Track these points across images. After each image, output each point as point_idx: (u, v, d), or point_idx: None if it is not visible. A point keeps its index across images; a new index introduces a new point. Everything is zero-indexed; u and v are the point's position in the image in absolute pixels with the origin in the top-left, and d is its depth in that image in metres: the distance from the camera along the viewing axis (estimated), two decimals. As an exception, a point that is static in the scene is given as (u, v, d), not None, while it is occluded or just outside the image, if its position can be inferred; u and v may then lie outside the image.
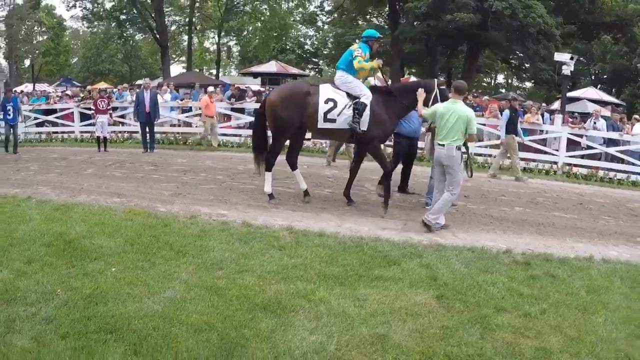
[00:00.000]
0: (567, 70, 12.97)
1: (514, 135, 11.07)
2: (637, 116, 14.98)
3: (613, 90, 37.50)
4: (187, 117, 15.38)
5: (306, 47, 37.05)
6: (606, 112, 17.82)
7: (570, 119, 14.46)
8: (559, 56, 13.36)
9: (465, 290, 4.43)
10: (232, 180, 9.03)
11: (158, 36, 29.02)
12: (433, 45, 22.33)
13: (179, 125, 15.61)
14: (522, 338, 3.72)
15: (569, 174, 12.45)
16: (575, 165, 12.76)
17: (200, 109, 13.95)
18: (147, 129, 12.68)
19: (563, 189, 10.60)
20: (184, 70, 38.48)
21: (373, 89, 7.24)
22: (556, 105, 21.93)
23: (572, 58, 12.82)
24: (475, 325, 3.85)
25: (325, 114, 6.98)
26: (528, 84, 40.65)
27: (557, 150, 13.17)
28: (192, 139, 14.47)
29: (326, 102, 6.97)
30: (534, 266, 5.20)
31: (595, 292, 4.64)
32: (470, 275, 4.80)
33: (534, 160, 13.11)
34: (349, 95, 7.00)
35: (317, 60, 37.03)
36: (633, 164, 12.68)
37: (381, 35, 7.66)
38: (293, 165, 7.66)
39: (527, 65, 34.52)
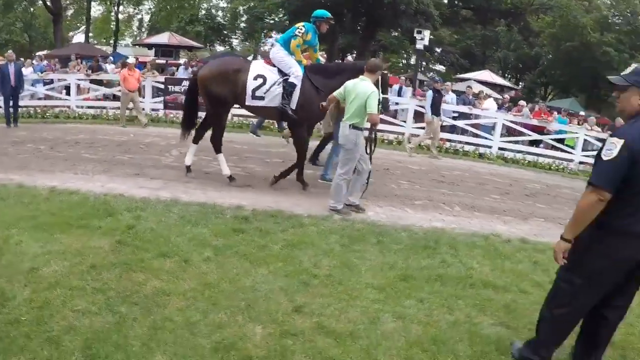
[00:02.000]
0: (420, 44, 13.81)
1: (436, 116, 11.57)
2: (488, 91, 16.14)
3: (518, 76, 39.71)
4: (47, 89, 15.12)
5: (218, 19, 36.36)
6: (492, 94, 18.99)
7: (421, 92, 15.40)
8: (416, 33, 14.16)
9: (149, 238, 4.74)
10: (50, 150, 9.18)
11: (50, 4, 27.73)
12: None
13: (44, 98, 15.27)
14: (154, 279, 3.97)
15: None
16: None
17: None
18: (12, 103, 12.32)
19: (387, 157, 10.87)
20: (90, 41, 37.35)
21: (308, 67, 6.99)
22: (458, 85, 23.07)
23: (419, 32, 13.65)
24: (119, 267, 4.13)
25: (254, 90, 6.80)
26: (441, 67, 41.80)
27: (404, 121, 13.94)
28: (50, 112, 14.31)
29: (255, 78, 6.80)
30: (252, 221, 5.41)
31: (292, 247, 4.77)
32: (170, 226, 5.11)
33: (381, 131, 13.68)
34: (279, 71, 6.84)
35: (228, 33, 36.44)
36: (485, 138, 13.71)
37: (331, 16, 7.32)
38: (184, 136, 7.48)
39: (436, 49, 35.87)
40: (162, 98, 14.09)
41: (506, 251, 5.37)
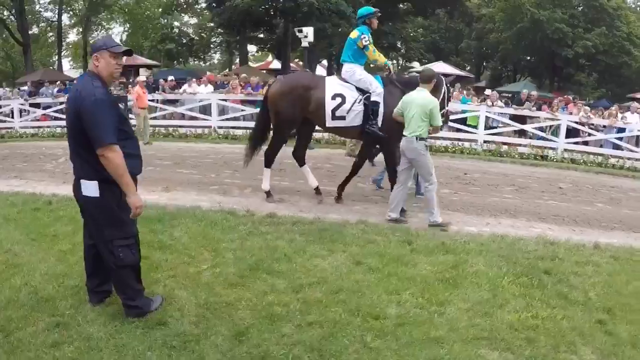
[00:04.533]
0: (305, 42, 14.43)
1: None
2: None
3: (482, 65, 39.91)
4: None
5: (190, 35, 37.59)
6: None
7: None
8: (298, 32, 14.73)
9: None
10: None
11: (19, 36, 29.33)
12: (239, 29, 23.12)
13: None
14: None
15: (227, 136, 13.84)
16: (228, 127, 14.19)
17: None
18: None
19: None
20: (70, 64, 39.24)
21: (383, 80, 6.68)
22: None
23: (300, 31, 14.26)
24: None
25: (334, 111, 6.45)
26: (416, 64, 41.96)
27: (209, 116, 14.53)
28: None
29: (333, 97, 6.43)
30: (52, 204, 6.41)
31: (55, 219, 5.73)
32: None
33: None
34: (357, 88, 6.51)
35: (200, 48, 37.62)
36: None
37: (377, 10, 6.92)
38: (300, 161, 7.04)
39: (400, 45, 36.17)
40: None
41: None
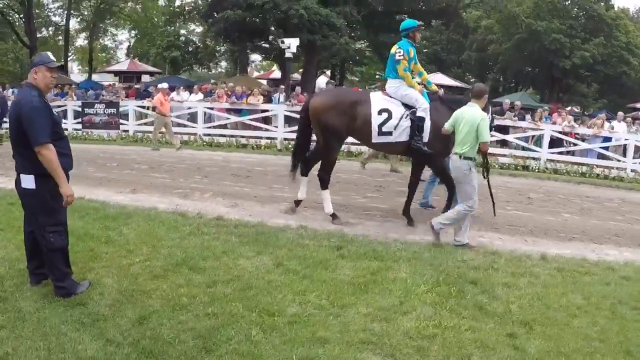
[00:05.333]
0: (288, 53, 14.69)
1: None
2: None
3: (484, 76, 39.82)
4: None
5: (197, 43, 37.93)
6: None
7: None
8: (281, 43, 14.98)
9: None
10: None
11: (27, 39, 29.96)
12: (234, 39, 23.25)
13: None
14: None
15: (211, 143, 14.21)
16: (214, 135, 14.73)
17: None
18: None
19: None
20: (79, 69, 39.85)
21: (430, 96, 6.59)
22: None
23: (282, 42, 14.52)
24: None
25: (380, 126, 6.31)
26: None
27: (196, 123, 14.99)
28: None
29: (380, 113, 6.30)
30: None
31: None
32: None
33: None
34: (404, 104, 6.38)
35: (205, 56, 37.89)
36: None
37: (421, 23, 6.85)
38: (295, 167, 6.92)
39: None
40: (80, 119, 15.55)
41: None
